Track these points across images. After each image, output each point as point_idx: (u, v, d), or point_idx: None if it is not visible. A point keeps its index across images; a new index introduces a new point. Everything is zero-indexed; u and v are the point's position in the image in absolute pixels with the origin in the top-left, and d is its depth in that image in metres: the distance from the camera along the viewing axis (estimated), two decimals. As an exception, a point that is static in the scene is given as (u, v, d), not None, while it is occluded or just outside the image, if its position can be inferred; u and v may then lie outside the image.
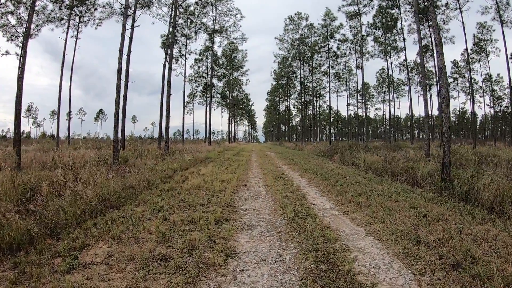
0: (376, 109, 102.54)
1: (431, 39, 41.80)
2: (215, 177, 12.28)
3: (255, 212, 7.37)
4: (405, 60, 48.68)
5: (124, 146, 23.20)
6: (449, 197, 8.73)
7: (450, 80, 73.18)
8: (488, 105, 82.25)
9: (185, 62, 43.63)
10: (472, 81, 73.09)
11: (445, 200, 8.43)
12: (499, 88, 76.22)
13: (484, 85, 74.83)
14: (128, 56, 23.17)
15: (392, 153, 19.75)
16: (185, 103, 72.96)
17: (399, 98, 76.52)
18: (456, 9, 38.88)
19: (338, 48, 53.46)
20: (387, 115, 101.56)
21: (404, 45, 45.95)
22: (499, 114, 79.43)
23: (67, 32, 32.70)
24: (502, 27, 36.71)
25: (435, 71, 42.89)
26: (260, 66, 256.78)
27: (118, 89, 15.91)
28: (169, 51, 24.56)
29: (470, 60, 45.29)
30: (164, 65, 33.88)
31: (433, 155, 18.86)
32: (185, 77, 44.48)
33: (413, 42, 48.08)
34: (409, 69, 70.40)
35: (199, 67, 51.81)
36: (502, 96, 77.02)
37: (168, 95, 22.25)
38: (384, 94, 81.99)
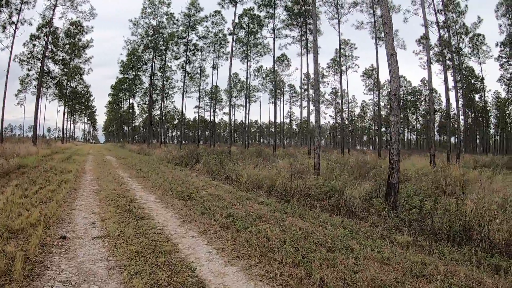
0: (224, 113, 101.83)
1: (306, 42, 41.28)
2: (3, 220, 6.07)
3: None
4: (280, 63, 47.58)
5: None
6: (430, 236, 6.38)
7: (299, 91, 75.07)
8: (331, 116, 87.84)
9: (15, 32, 33.65)
10: (321, 93, 76.42)
11: (436, 245, 5.86)
12: (344, 102, 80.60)
13: (330, 98, 79.22)
14: None
15: (264, 162, 16.12)
16: (17, 92, 62.17)
17: (250, 103, 75.36)
18: (334, 18, 40.50)
19: (195, 45, 49.28)
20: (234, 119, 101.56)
21: (274, 47, 44.20)
22: (337, 125, 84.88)
23: None
24: (376, 44, 38.69)
25: (301, 77, 42.28)
26: (107, 60, 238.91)
27: None
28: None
29: (340, 70, 46.85)
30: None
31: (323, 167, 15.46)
32: (11, 53, 34.27)
33: (279, 47, 46.26)
34: (264, 75, 70.16)
35: (34, 45, 40.76)
36: (345, 110, 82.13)
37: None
38: (234, 99, 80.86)
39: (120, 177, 14.08)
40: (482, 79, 63.40)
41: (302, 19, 42.77)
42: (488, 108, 70.58)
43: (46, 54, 39.12)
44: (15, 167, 14.52)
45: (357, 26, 40.76)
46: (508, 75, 54.73)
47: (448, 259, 5.15)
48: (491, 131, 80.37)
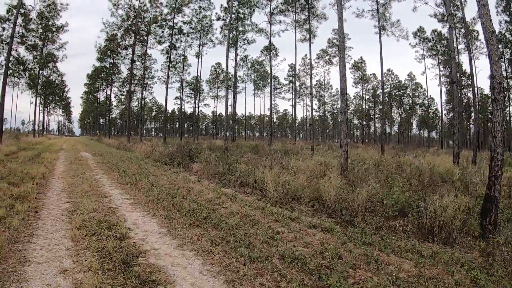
0: (204, 105, 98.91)
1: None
2: None
3: None
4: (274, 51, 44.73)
5: None
6: None
7: (285, 82, 72.78)
8: (314, 109, 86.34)
9: None
10: (306, 85, 73.87)
11: None
12: (328, 95, 79.38)
13: (315, 91, 77.51)
14: None
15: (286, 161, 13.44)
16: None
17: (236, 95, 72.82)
18: (334, 4, 36.38)
19: (180, 30, 45.07)
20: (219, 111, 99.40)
21: (270, 32, 40.78)
22: (317, 117, 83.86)
23: None
24: (380, 34, 35.59)
25: (295, 63, 39.42)
26: (82, 51, 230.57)
27: None
28: None
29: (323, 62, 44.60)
30: None
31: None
32: None
33: (271, 35, 42.33)
34: (250, 65, 67.08)
35: (3, 29, 35.94)
36: (329, 102, 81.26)
37: None
38: (216, 90, 78.14)
39: (100, 185, 10.52)
40: (469, 75, 62.22)
41: (304, 1, 39.31)
42: (471, 104, 69.63)
43: (17, 39, 34.75)
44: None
45: (357, 14, 37.86)
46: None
47: None
48: (471, 126, 79.46)
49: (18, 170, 12.25)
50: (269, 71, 64.47)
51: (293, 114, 55.97)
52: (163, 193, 8.96)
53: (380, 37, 34.93)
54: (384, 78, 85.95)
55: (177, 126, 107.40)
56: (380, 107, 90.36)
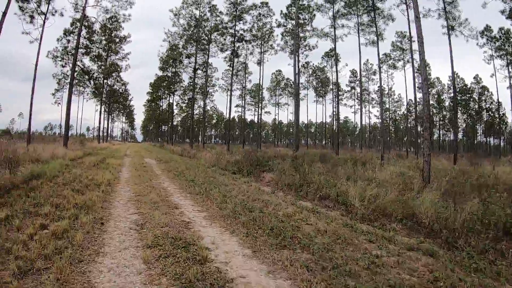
0: (265, 112, 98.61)
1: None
2: None
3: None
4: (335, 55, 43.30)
5: None
6: None
7: (347, 89, 70.84)
8: (377, 116, 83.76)
9: (44, 23, 29.21)
10: (367, 91, 71.57)
11: None
12: (390, 101, 76.72)
13: (376, 96, 75.08)
14: None
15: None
16: (54, 91, 60.18)
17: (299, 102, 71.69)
18: (402, 3, 34.85)
19: (241, 37, 44.67)
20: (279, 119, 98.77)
21: (335, 36, 39.31)
22: (378, 125, 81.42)
23: None
24: (449, 34, 33.19)
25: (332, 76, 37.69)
26: (143, 61, 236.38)
27: None
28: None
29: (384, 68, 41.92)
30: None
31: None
32: (40, 46, 29.53)
33: (334, 39, 40.54)
34: (311, 71, 65.85)
35: (68, 41, 36.75)
36: (392, 109, 78.43)
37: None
38: (277, 97, 77.17)
39: (169, 194, 9.84)
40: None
41: (369, 2, 37.45)
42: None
43: (82, 50, 35.38)
44: (23, 179, 10.02)
45: (424, 14, 35.30)
46: None
47: None
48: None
49: (84, 177, 11.87)
50: (330, 77, 63.09)
51: (359, 121, 54.42)
52: (238, 206, 8.09)
53: (449, 37, 32.65)
54: (450, 82, 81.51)
55: (237, 133, 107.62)
56: (445, 113, 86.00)
